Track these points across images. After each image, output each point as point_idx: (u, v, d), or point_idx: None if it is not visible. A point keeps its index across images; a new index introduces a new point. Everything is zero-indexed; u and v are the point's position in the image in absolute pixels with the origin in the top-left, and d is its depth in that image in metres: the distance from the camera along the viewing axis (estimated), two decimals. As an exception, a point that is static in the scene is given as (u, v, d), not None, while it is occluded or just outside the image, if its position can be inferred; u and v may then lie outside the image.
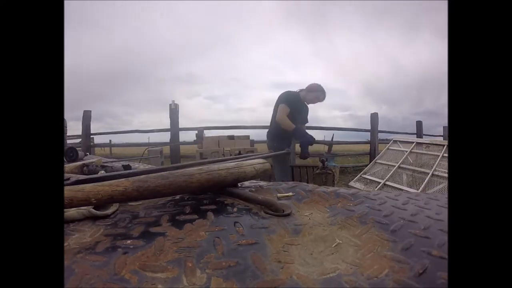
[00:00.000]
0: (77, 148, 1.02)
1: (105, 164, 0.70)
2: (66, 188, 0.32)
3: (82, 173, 0.65)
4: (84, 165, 0.66)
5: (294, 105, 2.03)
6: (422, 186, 2.93)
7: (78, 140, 5.68)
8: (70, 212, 0.37)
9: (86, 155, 1.13)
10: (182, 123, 4.95)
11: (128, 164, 0.69)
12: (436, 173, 3.01)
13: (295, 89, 2.19)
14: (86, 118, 5.53)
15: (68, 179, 0.48)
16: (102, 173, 0.60)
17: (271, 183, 0.58)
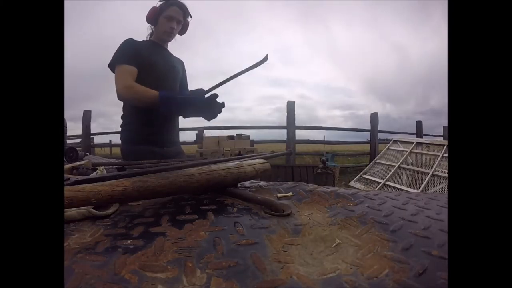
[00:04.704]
0: (77, 148, 1.02)
1: (96, 167, 0.69)
2: (66, 188, 0.32)
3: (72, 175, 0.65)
4: (73, 167, 0.66)
5: (141, 56, 1.10)
6: (422, 186, 2.94)
7: (78, 140, 5.69)
8: (70, 212, 0.37)
9: (86, 155, 1.13)
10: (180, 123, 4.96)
11: (123, 166, 0.68)
12: (436, 173, 3.02)
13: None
14: (86, 118, 5.54)
15: (68, 179, 0.48)
16: (102, 173, 0.60)
17: (271, 183, 0.58)
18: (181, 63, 1.30)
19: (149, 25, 1.21)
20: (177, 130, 1.30)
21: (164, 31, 1.16)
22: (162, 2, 1.15)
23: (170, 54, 1.26)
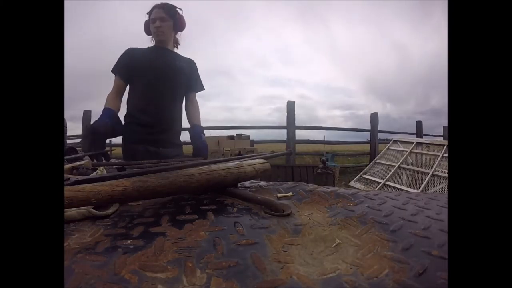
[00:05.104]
0: (77, 148, 1.02)
1: (96, 167, 0.69)
2: (66, 188, 0.32)
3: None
4: (73, 167, 0.66)
5: (137, 61, 1.19)
6: (422, 186, 2.94)
7: (78, 140, 5.69)
8: (70, 212, 0.37)
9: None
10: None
11: (123, 166, 0.68)
12: (436, 173, 3.02)
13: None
14: (86, 118, 5.53)
15: (68, 179, 0.48)
16: (102, 173, 0.60)
17: (271, 183, 0.58)
18: (188, 62, 1.31)
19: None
20: (175, 133, 1.31)
21: (153, 32, 1.24)
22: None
23: (175, 55, 1.29)
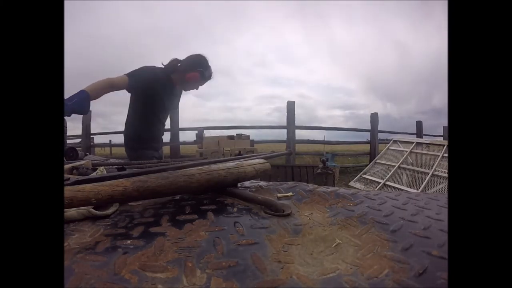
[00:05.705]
0: (77, 148, 1.02)
1: (96, 167, 0.68)
2: (66, 188, 0.32)
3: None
4: (73, 167, 0.65)
5: (153, 87, 1.38)
6: (422, 186, 2.94)
7: (78, 140, 5.69)
8: (70, 212, 0.37)
9: (86, 155, 1.13)
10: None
11: (123, 166, 0.68)
12: (436, 173, 3.02)
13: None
14: (86, 118, 5.54)
15: (68, 179, 0.48)
16: (102, 173, 0.60)
17: (271, 183, 0.58)
18: (179, 94, 1.60)
19: (173, 59, 1.44)
20: (151, 138, 1.55)
21: (191, 89, 1.53)
22: (201, 71, 1.42)
23: (176, 89, 1.52)
